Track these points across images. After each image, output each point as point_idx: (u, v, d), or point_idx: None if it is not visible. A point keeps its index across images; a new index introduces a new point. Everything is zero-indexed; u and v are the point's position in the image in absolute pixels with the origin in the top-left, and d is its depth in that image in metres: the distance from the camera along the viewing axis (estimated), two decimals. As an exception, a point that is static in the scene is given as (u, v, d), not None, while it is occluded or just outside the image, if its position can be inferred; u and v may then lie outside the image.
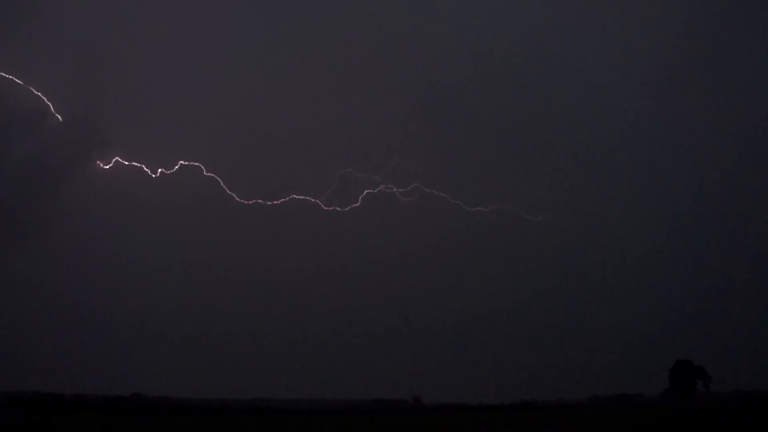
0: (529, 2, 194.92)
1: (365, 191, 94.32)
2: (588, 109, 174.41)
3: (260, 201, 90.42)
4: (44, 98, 78.21)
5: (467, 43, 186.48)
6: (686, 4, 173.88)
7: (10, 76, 74.72)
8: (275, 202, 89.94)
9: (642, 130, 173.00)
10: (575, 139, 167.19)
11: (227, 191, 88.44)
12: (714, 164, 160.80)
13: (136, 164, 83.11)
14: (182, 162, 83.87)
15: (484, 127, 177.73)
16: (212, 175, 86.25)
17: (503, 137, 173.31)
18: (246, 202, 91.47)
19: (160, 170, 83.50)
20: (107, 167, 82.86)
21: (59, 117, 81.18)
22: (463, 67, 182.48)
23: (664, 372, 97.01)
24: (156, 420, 59.48)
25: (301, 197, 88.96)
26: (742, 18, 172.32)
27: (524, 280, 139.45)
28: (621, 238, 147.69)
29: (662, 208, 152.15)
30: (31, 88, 77.74)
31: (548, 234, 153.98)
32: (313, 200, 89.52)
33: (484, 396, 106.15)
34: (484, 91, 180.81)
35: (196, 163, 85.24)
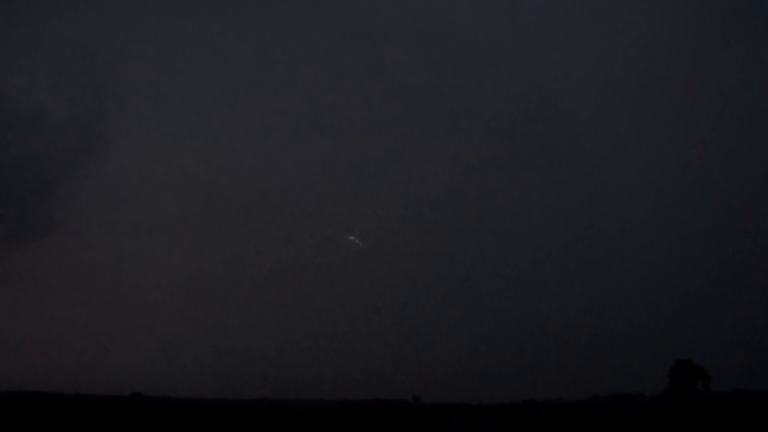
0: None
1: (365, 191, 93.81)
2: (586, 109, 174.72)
3: (260, 201, 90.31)
4: (44, 98, 78.33)
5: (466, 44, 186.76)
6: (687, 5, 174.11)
7: (10, 76, 74.88)
8: (275, 202, 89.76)
9: (640, 131, 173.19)
10: (575, 140, 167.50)
11: (227, 191, 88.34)
12: (714, 164, 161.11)
13: (136, 164, 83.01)
14: (182, 162, 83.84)
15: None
16: (212, 175, 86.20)
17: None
18: (246, 202, 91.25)
19: (160, 170, 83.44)
20: (107, 167, 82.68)
21: (59, 117, 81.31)
22: (464, 66, 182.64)
23: (664, 372, 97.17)
24: (156, 420, 59.42)
25: (301, 197, 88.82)
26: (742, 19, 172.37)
27: (525, 281, 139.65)
28: (621, 237, 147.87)
29: (662, 208, 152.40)
30: (31, 89, 77.85)
31: (547, 235, 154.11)
32: (313, 200, 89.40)
33: (484, 396, 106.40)
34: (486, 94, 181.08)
35: (196, 163, 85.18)
